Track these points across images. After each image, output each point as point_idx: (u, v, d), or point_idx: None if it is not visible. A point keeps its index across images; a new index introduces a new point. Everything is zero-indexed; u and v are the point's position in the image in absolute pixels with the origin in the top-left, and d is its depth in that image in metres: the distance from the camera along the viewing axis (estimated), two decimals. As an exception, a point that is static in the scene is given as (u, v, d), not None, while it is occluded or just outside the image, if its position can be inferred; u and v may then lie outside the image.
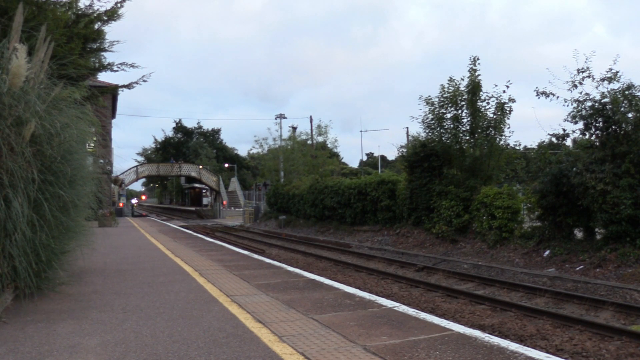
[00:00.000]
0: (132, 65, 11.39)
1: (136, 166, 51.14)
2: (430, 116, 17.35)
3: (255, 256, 9.63)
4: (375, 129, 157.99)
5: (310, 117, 40.88)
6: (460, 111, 16.85)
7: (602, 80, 11.88)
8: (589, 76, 12.04)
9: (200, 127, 75.85)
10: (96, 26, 10.82)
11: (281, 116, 41.61)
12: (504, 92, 16.39)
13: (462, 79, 16.78)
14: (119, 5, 10.69)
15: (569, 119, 12.20)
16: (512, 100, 16.33)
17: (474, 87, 16.49)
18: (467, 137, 16.95)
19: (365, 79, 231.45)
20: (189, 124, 77.55)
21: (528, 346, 4.24)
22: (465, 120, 16.86)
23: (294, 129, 42.26)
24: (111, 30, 36.86)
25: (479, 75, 16.57)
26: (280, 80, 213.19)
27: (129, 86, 12.09)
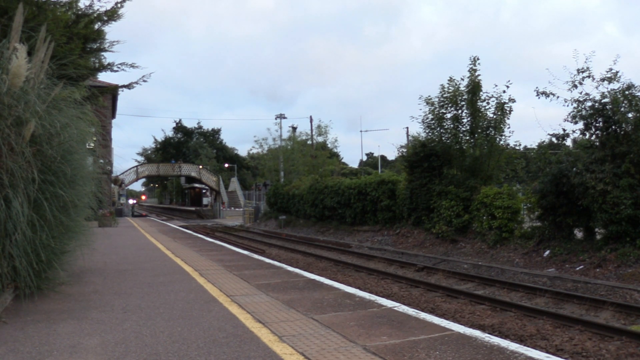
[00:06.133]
0: (132, 65, 11.37)
1: (136, 166, 51.15)
2: (430, 116, 17.35)
3: (255, 256, 9.62)
4: (380, 128, 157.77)
5: (310, 117, 40.91)
6: (460, 111, 16.85)
7: (602, 80, 11.89)
8: (589, 76, 12.05)
9: (200, 127, 75.93)
10: (96, 26, 10.80)
11: (281, 116, 41.65)
12: (504, 92, 16.42)
13: (462, 79, 16.81)
14: (119, 5, 10.68)
15: (569, 119, 12.22)
16: (512, 100, 16.35)
17: (474, 87, 16.50)
18: (467, 137, 16.95)
19: (373, 78, 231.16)
20: (192, 123, 77.67)
21: (528, 346, 4.24)
22: (465, 120, 16.86)
23: (294, 129, 42.31)
24: (118, 29, 36.79)
25: (479, 75, 16.59)
26: (289, 80, 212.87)
27: (129, 86, 12.08)
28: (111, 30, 28.09)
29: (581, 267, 11.27)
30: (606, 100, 11.55)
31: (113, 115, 32.03)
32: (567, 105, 12.28)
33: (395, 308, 4.66)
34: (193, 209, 56.99)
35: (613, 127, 11.52)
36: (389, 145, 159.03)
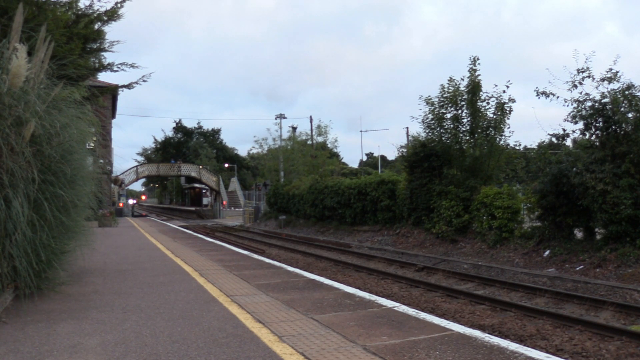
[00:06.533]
0: (132, 65, 11.39)
1: (136, 166, 51.12)
2: (430, 116, 17.36)
3: (255, 256, 9.62)
4: (380, 128, 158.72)
5: (310, 117, 40.91)
6: (460, 111, 16.86)
7: (602, 80, 11.88)
8: (589, 76, 12.04)
9: (200, 127, 75.95)
10: (96, 26, 10.81)
11: (281, 116, 41.64)
12: (504, 92, 16.43)
13: (462, 79, 16.81)
14: (119, 5, 10.69)
15: (569, 119, 12.22)
16: (512, 100, 16.36)
17: (474, 87, 16.50)
18: (467, 137, 16.95)
19: (373, 78, 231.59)
20: (192, 123, 77.73)
21: (528, 346, 4.24)
22: (465, 120, 16.87)
23: (294, 129, 42.32)
24: (118, 29, 36.82)
25: (479, 75, 16.60)
26: (290, 80, 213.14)
27: (128, 86, 12.10)
28: (111, 30, 28.13)
29: (581, 267, 11.27)
30: (606, 100, 11.55)
31: (113, 115, 32.04)
32: (567, 105, 12.29)
33: (395, 308, 4.66)
34: (193, 209, 57.00)
35: (613, 127, 11.51)
36: (389, 145, 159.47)
